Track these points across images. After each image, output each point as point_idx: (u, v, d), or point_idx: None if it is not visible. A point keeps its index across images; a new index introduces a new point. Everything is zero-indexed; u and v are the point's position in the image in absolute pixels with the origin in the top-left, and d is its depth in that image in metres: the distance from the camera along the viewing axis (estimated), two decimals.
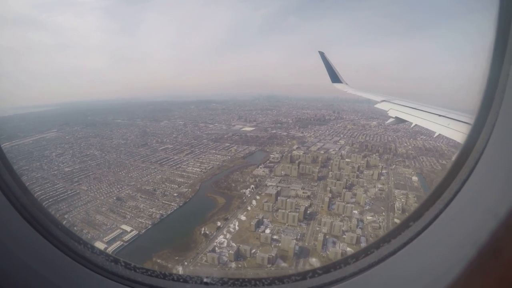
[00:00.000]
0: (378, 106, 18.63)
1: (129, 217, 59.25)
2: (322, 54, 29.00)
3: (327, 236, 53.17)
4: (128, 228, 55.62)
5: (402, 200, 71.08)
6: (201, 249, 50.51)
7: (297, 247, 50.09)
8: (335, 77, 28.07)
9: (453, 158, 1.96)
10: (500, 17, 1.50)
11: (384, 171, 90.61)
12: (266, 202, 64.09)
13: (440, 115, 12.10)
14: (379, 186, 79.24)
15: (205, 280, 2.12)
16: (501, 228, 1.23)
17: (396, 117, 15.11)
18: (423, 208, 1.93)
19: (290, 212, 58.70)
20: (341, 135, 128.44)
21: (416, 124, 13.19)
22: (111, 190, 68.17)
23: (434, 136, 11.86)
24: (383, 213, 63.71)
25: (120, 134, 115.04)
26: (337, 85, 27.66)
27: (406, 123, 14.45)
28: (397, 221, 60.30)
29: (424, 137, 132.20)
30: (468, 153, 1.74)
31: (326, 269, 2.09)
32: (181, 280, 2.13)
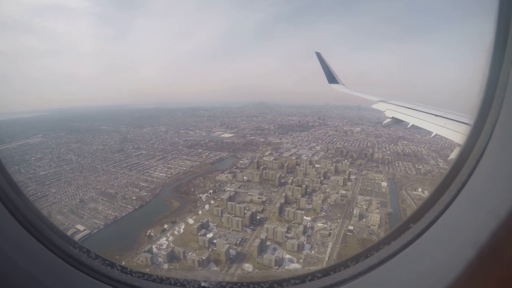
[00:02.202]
0: (375, 106, 18.48)
1: (86, 217, 63.47)
2: (318, 55, 28.91)
3: (268, 243, 54.65)
4: (81, 228, 59.68)
5: (364, 206, 71.36)
6: (141, 250, 53.58)
7: (234, 252, 52.10)
8: (331, 78, 27.85)
9: (453, 159, 1.96)
10: (499, 18, 1.52)
11: (353, 176, 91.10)
12: (216, 206, 66.65)
13: (437, 115, 12.15)
14: (343, 192, 79.72)
15: (202, 284, 2.12)
16: (501, 228, 1.23)
17: (393, 117, 15.09)
18: (423, 209, 1.92)
19: (234, 217, 60.85)
20: (319, 141, 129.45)
21: (413, 124, 13.24)
22: (77, 192, 72.95)
23: (431, 136, 11.66)
24: (338, 220, 63.81)
25: (101, 140, 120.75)
26: (333, 86, 27.45)
27: (403, 123, 14.56)
28: (351, 227, 60.92)
29: (406, 142, 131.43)
30: (468, 154, 1.76)
31: (325, 272, 2.07)
32: (179, 284, 2.12)
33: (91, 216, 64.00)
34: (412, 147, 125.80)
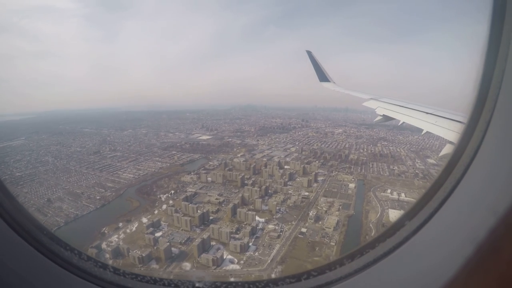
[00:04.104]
0: (365, 104, 18.34)
1: (49, 215, 67.59)
2: (309, 53, 28.72)
3: (213, 243, 56.70)
4: None
5: (324, 208, 72.52)
6: (92, 246, 57.07)
7: (177, 251, 54.76)
8: (322, 76, 27.65)
9: (448, 155, 1.97)
10: (493, 16, 1.54)
11: (321, 178, 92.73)
12: (172, 206, 69.75)
13: (428, 113, 12.11)
14: (305, 193, 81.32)
15: (197, 284, 2.15)
16: (500, 225, 1.23)
17: (383, 115, 15.07)
18: (418, 206, 1.93)
19: (183, 216, 63.77)
20: (297, 143, 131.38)
21: (403, 122, 13.25)
22: (46, 192, 77.35)
23: (422, 134, 11.71)
24: (293, 222, 64.79)
25: (81, 142, 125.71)
26: (324, 84, 27.24)
27: (394, 120, 14.56)
28: (304, 230, 61.90)
29: (386, 143, 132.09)
30: (463, 150, 1.77)
31: (321, 270, 2.06)
32: (172, 285, 2.12)
33: (54, 214, 68.09)
34: (391, 148, 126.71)
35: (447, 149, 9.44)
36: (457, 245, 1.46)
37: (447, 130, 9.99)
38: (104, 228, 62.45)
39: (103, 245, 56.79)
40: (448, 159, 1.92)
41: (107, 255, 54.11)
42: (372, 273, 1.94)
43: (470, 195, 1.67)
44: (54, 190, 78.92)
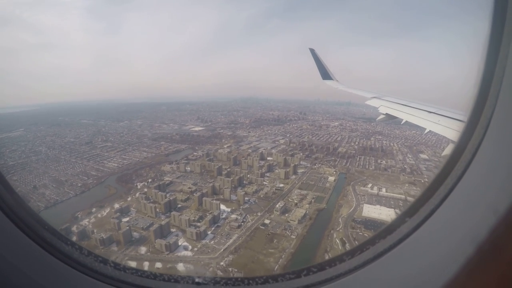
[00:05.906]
0: (368, 102, 18.53)
1: (32, 201, 71.67)
2: (312, 51, 28.92)
3: (173, 229, 57.94)
4: None
5: (295, 201, 71.47)
6: (62, 228, 60.21)
7: (138, 235, 56.71)
8: (325, 74, 27.86)
9: (449, 152, 1.97)
10: (495, 13, 1.54)
11: (301, 170, 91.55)
12: (143, 194, 71.69)
13: (430, 112, 12.21)
14: (280, 185, 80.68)
15: (196, 280, 2.13)
16: (501, 225, 1.21)
17: (386, 114, 15.22)
18: (419, 203, 1.92)
19: (149, 203, 65.41)
20: (288, 135, 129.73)
21: (406, 121, 13.40)
22: (34, 180, 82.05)
23: (425, 133, 11.69)
24: (258, 213, 64.73)
25: (76, 133, 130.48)
26: (327, 82, 27.42)
27: (397, 119, 14.67)
28: (267, 221, 61.28)
29: (380, 137, 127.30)
30: (463, 147, 1.76)
31: (321, 266, 2.08)
32: (172, 280, 2.14)
33: (37, 199, 72.26)
34: (385, 142, 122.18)
35: (450, 148, 9.27)
36: (457, 243, 1.43)
37: (450, 129, 9.93)
38: (78, 213, 65.50)
39: (73, 228, 59.76)
40: (449, 156, 1.90)
41: (74, 237, 56.89)
42: (372, 270, 1.94)
43: (470, 193, 1.66)
44: (41, 177, 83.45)
